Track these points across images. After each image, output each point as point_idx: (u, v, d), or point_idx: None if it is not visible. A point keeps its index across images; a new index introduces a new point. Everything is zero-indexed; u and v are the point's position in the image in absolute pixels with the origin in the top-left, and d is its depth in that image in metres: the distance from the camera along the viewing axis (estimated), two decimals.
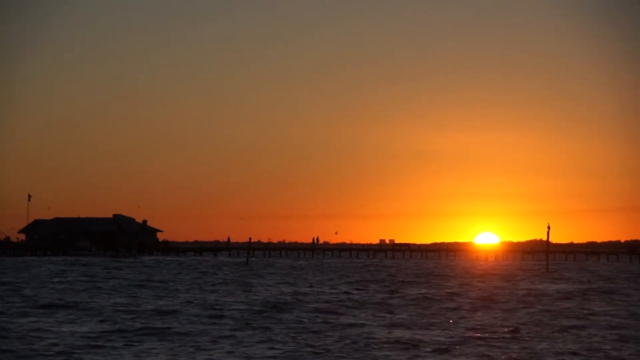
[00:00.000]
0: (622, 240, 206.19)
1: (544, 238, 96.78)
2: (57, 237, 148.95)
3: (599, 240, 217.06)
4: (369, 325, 33.82)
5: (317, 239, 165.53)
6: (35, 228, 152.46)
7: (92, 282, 62.38)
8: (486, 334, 31.20)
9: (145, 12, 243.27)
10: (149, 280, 67.26)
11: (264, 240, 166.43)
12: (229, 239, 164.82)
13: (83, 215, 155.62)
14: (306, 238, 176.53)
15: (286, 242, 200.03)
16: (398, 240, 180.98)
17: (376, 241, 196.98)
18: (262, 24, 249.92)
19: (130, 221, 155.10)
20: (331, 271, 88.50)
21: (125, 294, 50.84)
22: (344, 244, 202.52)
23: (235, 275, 78.06)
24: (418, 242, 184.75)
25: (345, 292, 53.08)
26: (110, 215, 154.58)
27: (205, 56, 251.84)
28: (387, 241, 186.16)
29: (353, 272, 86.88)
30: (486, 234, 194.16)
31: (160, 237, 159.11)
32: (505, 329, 32.92)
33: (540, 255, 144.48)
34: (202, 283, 63.38)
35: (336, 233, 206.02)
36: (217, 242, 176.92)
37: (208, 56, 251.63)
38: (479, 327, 33.70)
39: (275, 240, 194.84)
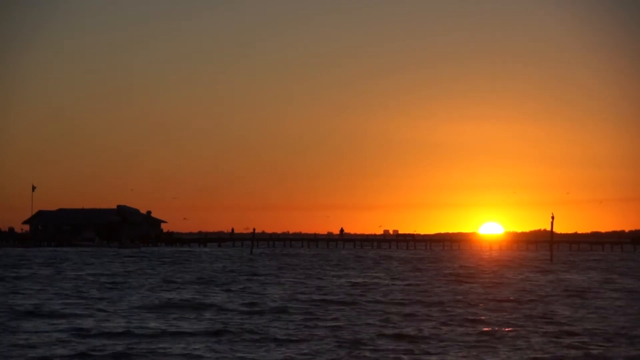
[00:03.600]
0: (626, 230, 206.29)
1: (548, 228, 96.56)
2: (60, 228, 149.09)
3: (603, 231, 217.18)
4: None
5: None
6: (39, 219, 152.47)
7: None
8: None
9: (147, 4, 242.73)
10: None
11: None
12: (232, 229, 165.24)
13: (87, 206, 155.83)
14: (306, 229, 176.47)
15: (290, 232, 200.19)
16: (402, 231, 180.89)
17: (379, 232, 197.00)
18: (261, 13, 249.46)
19: (134, 212, 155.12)
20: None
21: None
22: (349, 233, 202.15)
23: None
24: (422, 233, 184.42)
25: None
26: (114, 206, 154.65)
27: (206, 47, 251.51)
28: (391, 232, 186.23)
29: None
30: (490, 224, 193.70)
31: (164, 227, 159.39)
32: None
33: (544, 246, 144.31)
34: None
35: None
36: (220, 232, 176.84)
37: (209, 47, 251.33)
38: None
39: (279, 231, 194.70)
